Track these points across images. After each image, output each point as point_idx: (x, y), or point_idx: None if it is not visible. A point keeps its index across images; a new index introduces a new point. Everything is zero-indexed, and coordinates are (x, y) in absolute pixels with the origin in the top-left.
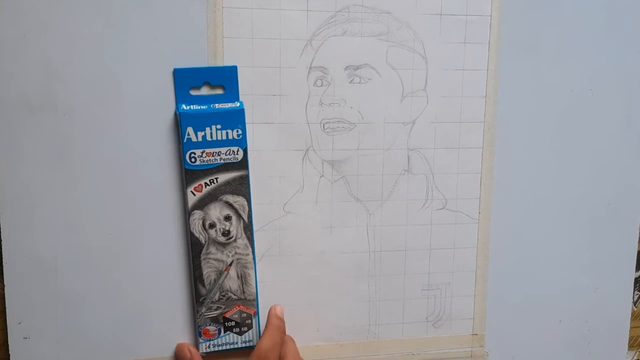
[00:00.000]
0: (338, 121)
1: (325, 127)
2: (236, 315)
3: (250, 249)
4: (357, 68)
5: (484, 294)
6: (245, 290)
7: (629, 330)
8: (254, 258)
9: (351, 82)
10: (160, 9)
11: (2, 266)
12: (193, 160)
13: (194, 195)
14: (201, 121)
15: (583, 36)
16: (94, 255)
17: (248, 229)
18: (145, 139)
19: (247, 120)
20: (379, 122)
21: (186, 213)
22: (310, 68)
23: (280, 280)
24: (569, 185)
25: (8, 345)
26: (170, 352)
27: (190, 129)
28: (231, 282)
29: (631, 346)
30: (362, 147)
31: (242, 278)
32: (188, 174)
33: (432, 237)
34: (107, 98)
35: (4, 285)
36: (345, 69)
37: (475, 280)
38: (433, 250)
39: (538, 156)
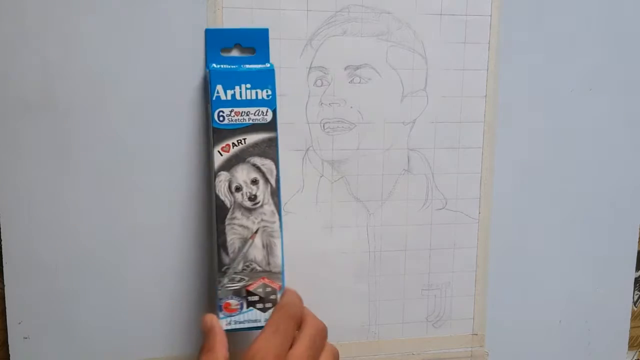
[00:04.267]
0: (338, 121)
1: (325, 127)
2: (260, 289)
3: (277, 216)
4: (357, 68)
5: (484, 294)
6: (270, 261)
7: (629, 330)
8: (280, 226)
9: (351, 82)
10: (160, 8)
11: (2, 266)
12: (221, 119)
13: (221, 155)
14: (231, 79)
15: (583, 36)
16: (94, 255)
17: (275, 194)
18: (144, 138)
19: None
20: (379, 122)
21: (212, 175)
22: (310, 68)
23: None
24: (569, 186)
25: (8, 345)
26: (171, 351)
27: (219, 87)
28: (256, 251)
29: (631, 346)
30: (362, 147)
31: (268, 248)
32: (216, 133)
33: (432, 237)
34: (107, 97)
35: (4, 285)
36: (345, 69)
37: (475, 280)
38: (433, 250)
39: (538, 156)
